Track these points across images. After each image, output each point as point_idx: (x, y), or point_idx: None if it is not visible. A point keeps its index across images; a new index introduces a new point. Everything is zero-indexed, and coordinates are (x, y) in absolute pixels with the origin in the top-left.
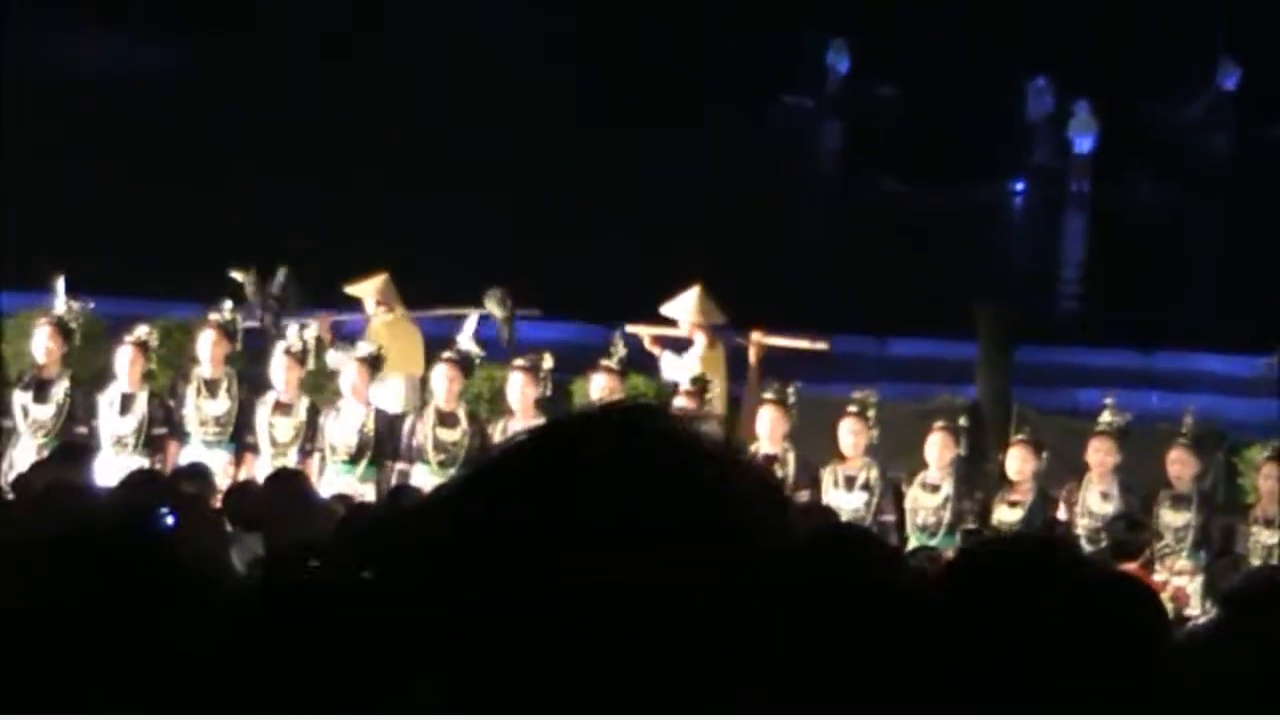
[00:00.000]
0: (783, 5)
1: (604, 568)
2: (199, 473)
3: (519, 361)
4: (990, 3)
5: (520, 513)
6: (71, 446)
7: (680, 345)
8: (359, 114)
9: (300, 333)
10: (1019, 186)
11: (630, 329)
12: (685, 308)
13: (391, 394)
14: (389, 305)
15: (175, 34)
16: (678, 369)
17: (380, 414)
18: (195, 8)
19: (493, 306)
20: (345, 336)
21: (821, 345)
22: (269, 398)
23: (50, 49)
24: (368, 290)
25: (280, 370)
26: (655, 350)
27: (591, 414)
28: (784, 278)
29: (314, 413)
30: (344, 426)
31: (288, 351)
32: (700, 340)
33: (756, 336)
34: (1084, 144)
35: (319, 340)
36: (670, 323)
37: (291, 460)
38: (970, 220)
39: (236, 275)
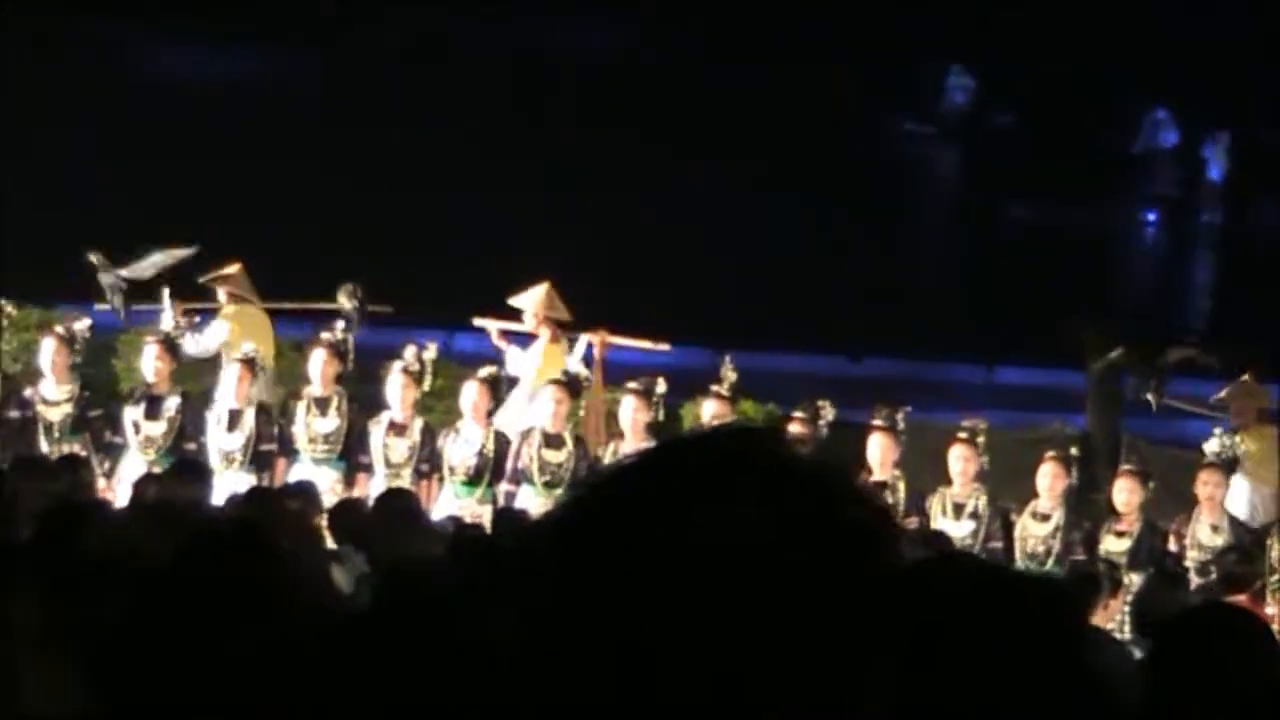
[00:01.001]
0: (902, 32)
1: (715, 594)
2: (304, 490)
3: (632, 385)
4: (1110, 35)
5: (631, 535)
6: (184, 463)
7: (527, 341)
8: (454, 124)
9: (418, 354)
10: (1149, 216)
11: (478, 321)
12: (532, 300)
13: (261, 384)
14: (241, 296)
15: (275, 43)
16: (520, 363)
17: (499, 435)
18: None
19: (343, 299)
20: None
21: (664, 346)
22: (384, 418)
23: (155, 58)
24: (223, 281)
25: (396, 390)
26: (502, 344)
27: (702, 437)
28: (900, 304)
29: (428, 433)
30: (464, 447)
31: (404, 371)
32: (544, 335)
33: (601, 334)
34: (1213, 173)
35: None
36: (517, 316)
37: (406, 481)
38: (1092, 249)
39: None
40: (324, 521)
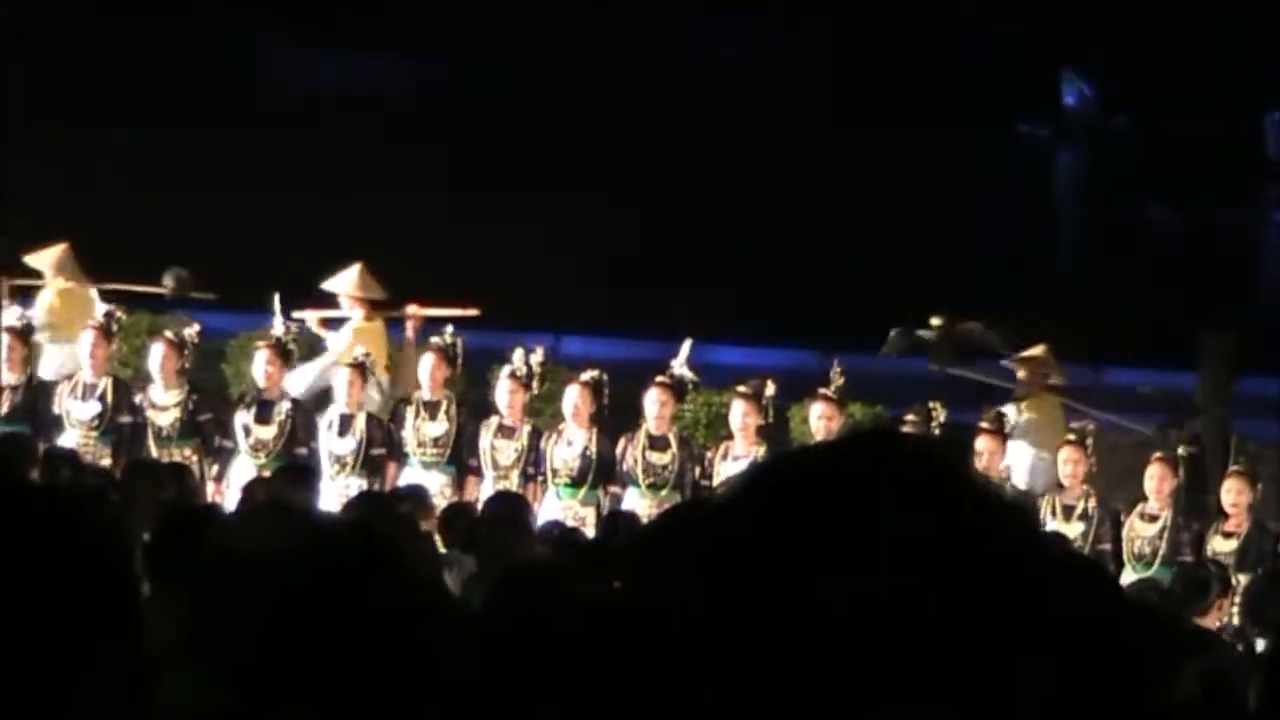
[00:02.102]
0: (1017, 34)
1: (873, 596)
2: (415, 494)
3: (741, 388)
4: (1226, 38)
5: (781, 538)
6: (292, 466)
7: (342, 325)
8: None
9: (526, 357)
10: None
11: (297, 314)
12: (345, 282)
13: (52, 360)
14: (67, 275)
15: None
16: (336, 343)
17: (602, 438)
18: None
19: (168, 281)
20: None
21: (472, 311)
22: (493, 421)
23: (295, 66)
24: (45, 261)
25: (504, 394)
26: (322, 332)
27: (839, 442)
28: (1010, 306)
29: (536, 436)
30: (568, 450)
31: (512, 375)
32: (358, 314)
33: (412, 309)
34: None
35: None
36: (334, 304)
37: (514, 484)
38: (1214, 251)
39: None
40: (434, 526)
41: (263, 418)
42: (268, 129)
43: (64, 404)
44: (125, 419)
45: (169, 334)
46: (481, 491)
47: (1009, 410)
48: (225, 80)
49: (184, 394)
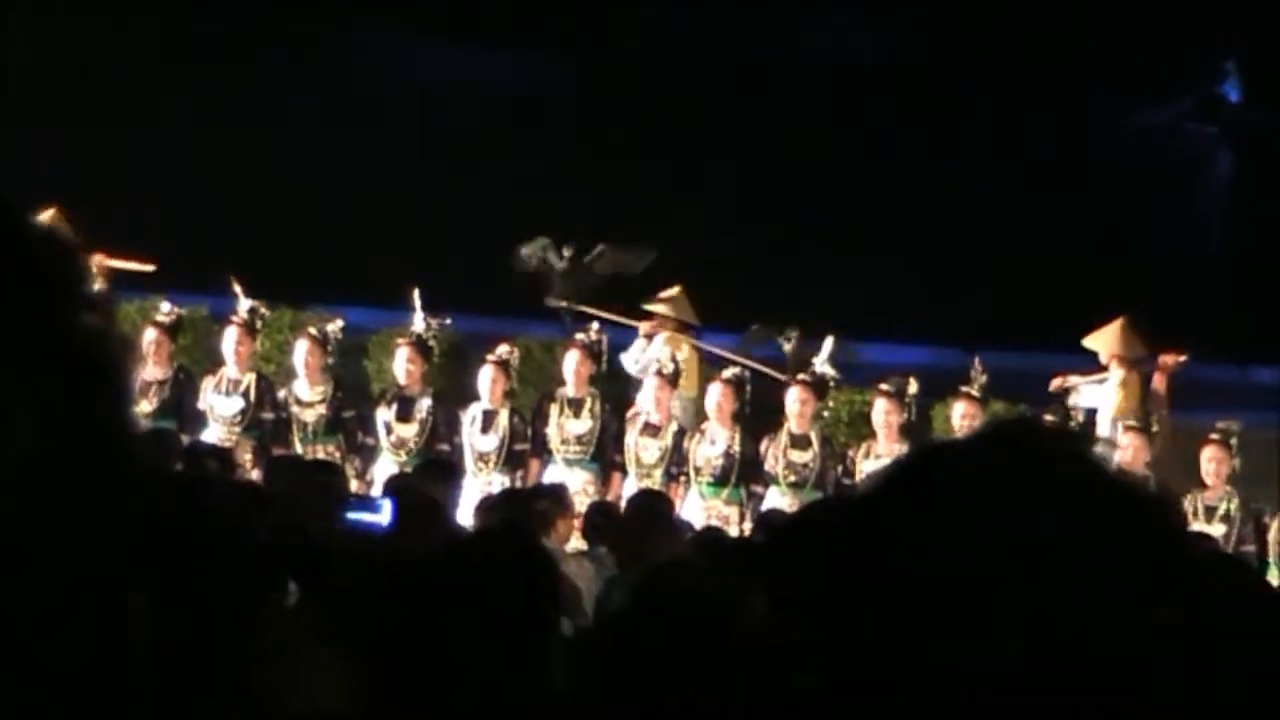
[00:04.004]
0: (1173, 31)
1: (1024, 595)
2: (553, 492)
3: (884, 386)
4: None
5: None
6: (433, 462)
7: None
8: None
9: (672, 356)
10: None
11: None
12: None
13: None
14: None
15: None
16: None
17: (745, 436)
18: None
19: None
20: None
21: (149, 266)
22: (639, 419)
23: (409, 61)
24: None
25: (649, 391)
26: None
27: (982, 435)
28: (1152, 303)
29: (680, 435)
30: (711, 448)
31: (659, 374)
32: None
33: (98, 257)
34: None
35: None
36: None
37: (657, 482)
38: None
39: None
40: (577, 523)
41: (404, 415)
42: (390, 126)
43: (208, 399)
44: (268, 415)
45: (312, 330)
46: (626, 489)
47: (635, 348)
48: (349, 78)
49: (328, 390)
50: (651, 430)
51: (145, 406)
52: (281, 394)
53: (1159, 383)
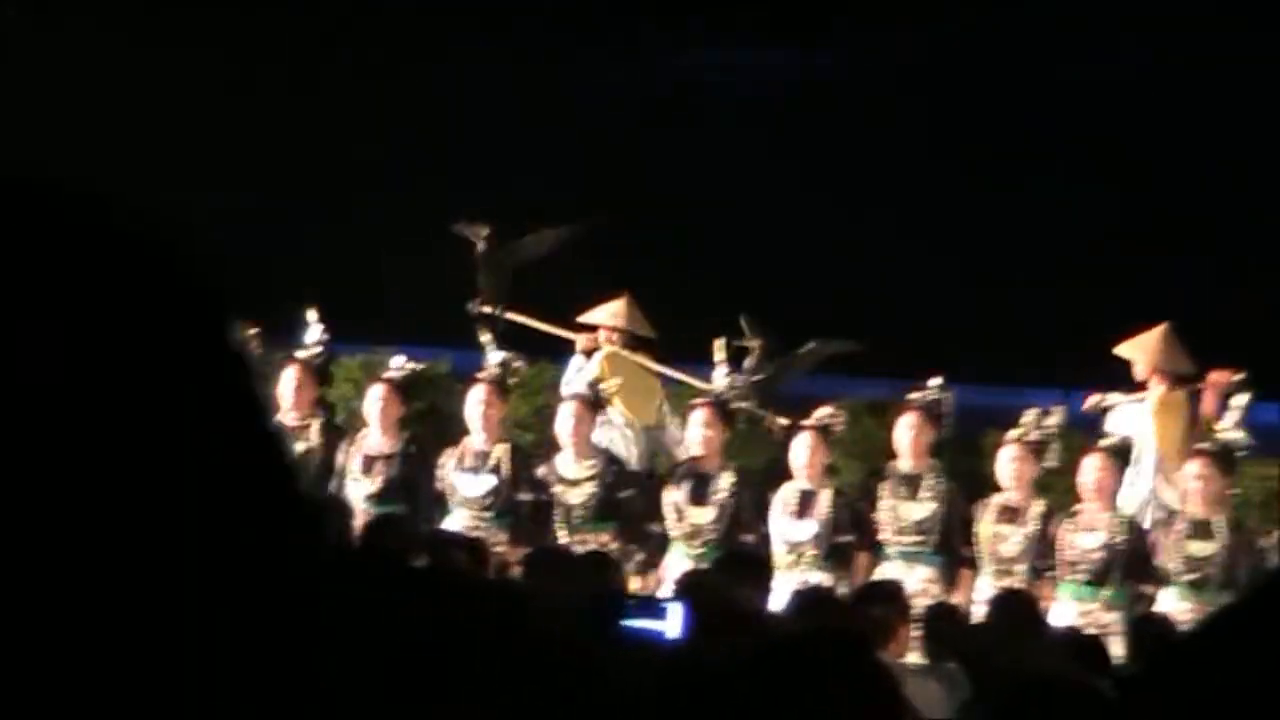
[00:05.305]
0: None
1: None
2: (888, 592)
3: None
4: None
5: None
6: (735, 555)
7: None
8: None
9: (1038, 419)
10: None
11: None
12: None
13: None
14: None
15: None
16: None
17: (1134, 524)
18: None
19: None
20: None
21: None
22: (992, 501)
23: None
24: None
25: (1008, 465)
26: None
27: None
28: None
29: (1046, 520)
30: (1089, 538)
31: (1020, 442)
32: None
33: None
34: None
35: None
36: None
37: (1020, 580)
38: None
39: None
40: (915, 631)
41: (697, 496)
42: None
43: (448, 478)
44: (525, 496)
45: (583, 390)
46: (977, 589)
47: (571, 367)
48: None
49: (599, 465)
50: (1010, 514)
51: (368, 486)
52: (541, 470)
53: (1208, 404)
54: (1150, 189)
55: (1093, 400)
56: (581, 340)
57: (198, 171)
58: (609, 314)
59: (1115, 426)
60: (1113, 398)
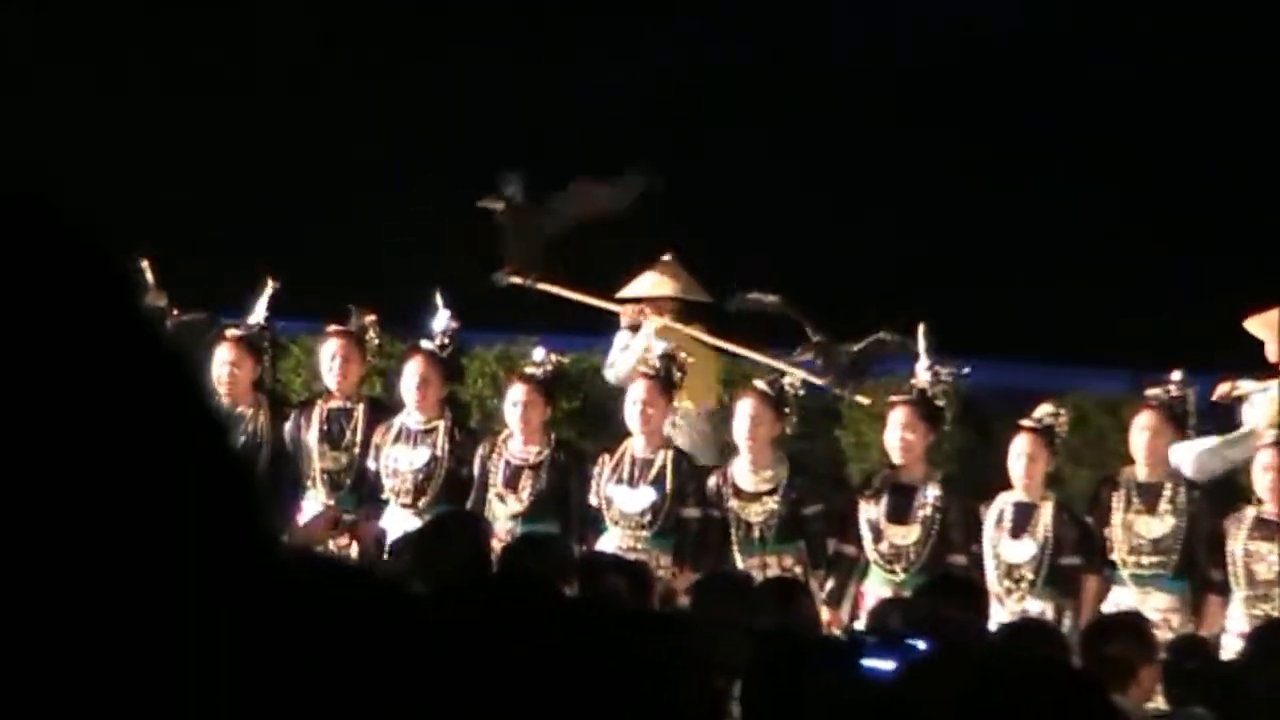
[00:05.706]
0: None
1: None
2: (1129, 626)
3: None
4: None
5: None
6: (947, 580)
7: None
8: None
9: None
10: None
11: None
12: None
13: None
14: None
15: None
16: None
17: None
18: None
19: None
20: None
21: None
22: (1244, 515)
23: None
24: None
25: (1266, 479)
26: None
27: None
28: None
29: None
30: None
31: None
32: None
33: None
34: None
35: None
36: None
37: (1277, 607)
38: None
39: None
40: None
41: (898, 513)
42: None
43: (603, 490)
44: (692, 513)
45: (760, 384)
46: (1229, 620)
47: (616, 344)
48: None
49: (781, 476)
50: (1267, 529)
51: (514, 504)
52: (712, 482)
53: None
54: (1150, 189)
55: (1223, 389)
56: (627, 314)
57: (198, 171)
58: (651, 283)
59: (1253, 417)
60: (1245, 385)
